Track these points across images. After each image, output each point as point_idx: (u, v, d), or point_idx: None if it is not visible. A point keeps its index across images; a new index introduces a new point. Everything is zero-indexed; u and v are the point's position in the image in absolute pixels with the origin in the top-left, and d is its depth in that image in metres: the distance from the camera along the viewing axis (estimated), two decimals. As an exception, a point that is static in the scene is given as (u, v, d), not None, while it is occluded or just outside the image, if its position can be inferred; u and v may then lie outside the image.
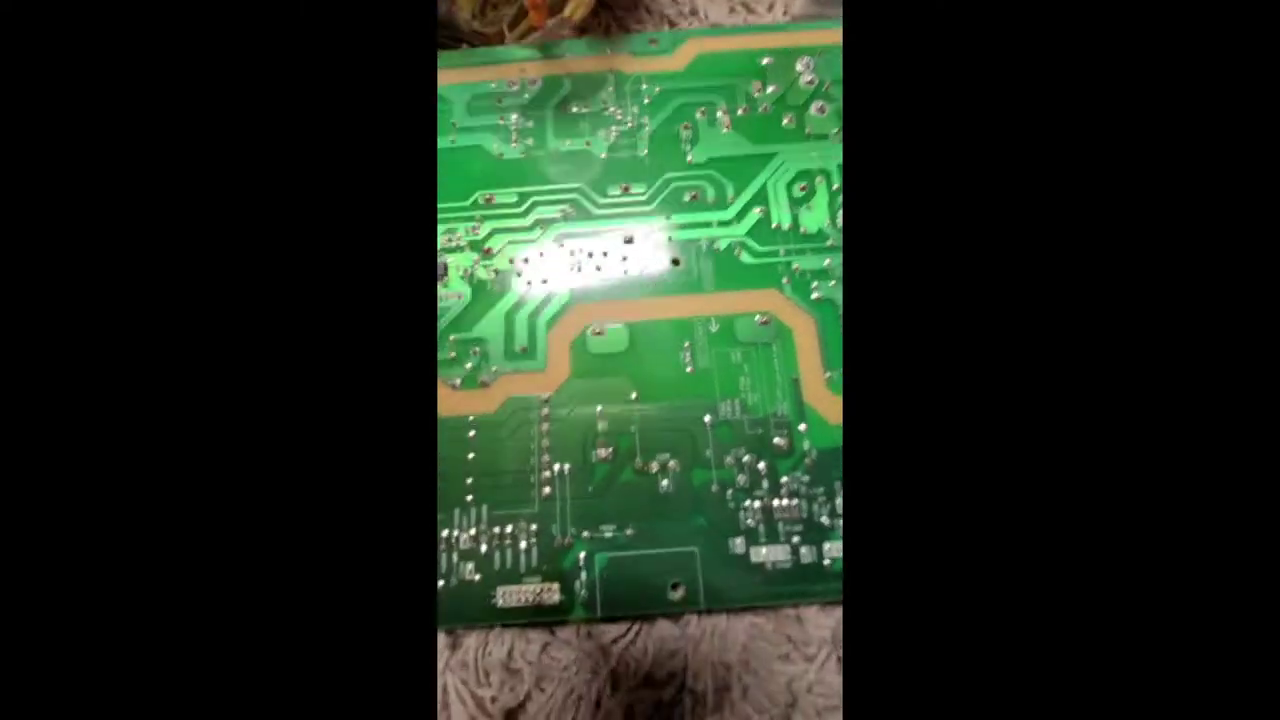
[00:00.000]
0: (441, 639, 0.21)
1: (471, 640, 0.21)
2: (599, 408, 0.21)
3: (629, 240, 0.23)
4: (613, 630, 0.21)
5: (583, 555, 0.20)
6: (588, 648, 0.21)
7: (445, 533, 0.20)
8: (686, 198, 0.23)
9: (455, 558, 0.20)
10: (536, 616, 0.19)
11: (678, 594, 0.19)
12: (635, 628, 0.21)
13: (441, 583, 0.20)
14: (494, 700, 0.21)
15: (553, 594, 0.20)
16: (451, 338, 0.22)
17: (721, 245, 0.22)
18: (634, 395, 0.21)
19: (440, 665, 0.21)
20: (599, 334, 0.22)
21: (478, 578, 0.20)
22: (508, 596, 0.20)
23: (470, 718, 0.20)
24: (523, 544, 0.20)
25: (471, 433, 0.21)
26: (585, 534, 0.20)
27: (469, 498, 0.21)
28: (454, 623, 0.20)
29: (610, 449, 0.21)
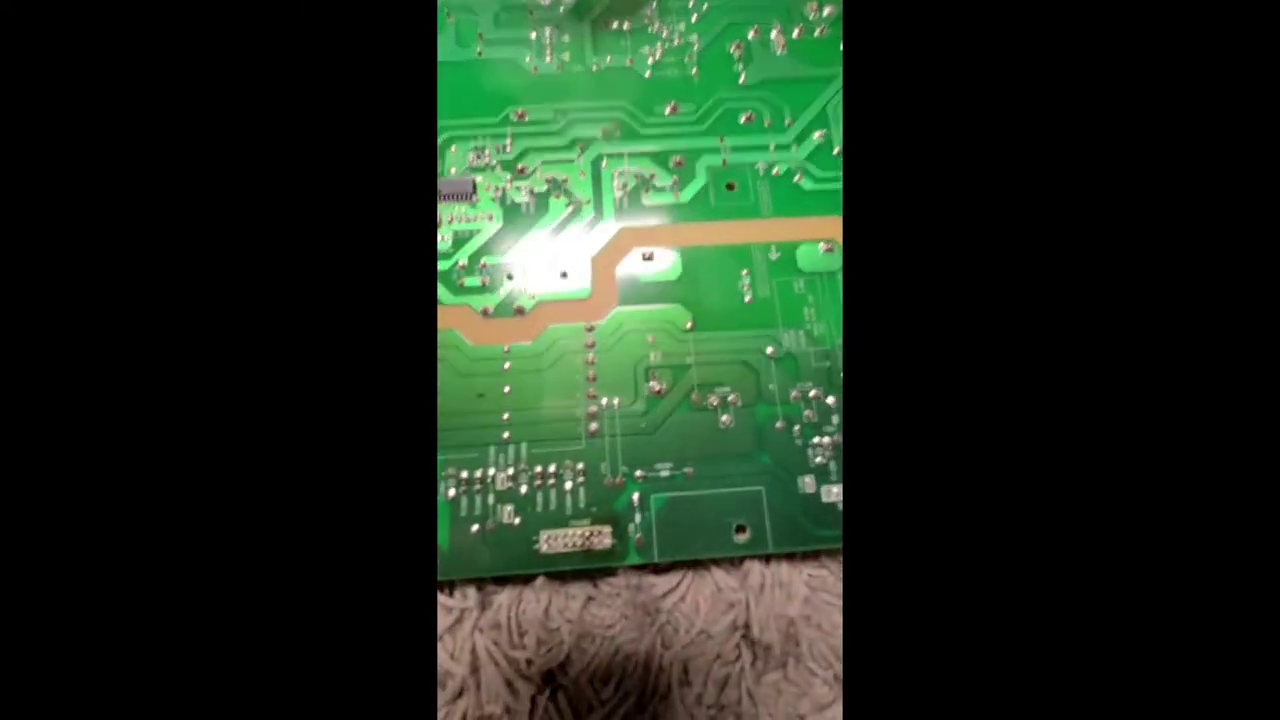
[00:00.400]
0: (471, 596, 0.19)
1: (503, 597, 0.19)
2: (651, 338, 0.19)
3: (679, 162, 0.21)
4: (663, 583, 0.19)
5: (637, 496, 0.18)
6: (636, 602, 0.19)
7: (479, 472, 0.18)
8: (741, 119, 0.21)
9: (492, 499, 0.18)
10: (586, 563, 0.17)
11: (743, 537, 0.18)
12: (687, 579, 0.19)
13: (475, 527, 0.18)
14: (530, 663, 0.18)
15: (604, 538, 0.18)
16: (483, 262, 0.20)
17: (780, 170, 0.21)
18: (689, 325, 0.19)
19: (469, 626, 0.19)
20: (648, 259, 0.20)
21: (517, 521, 0.18)
22: (553, 541, 0.18)
23: (505, 682, 0.18)
24: (568, 484, 0.18)
25: (506, 365, 0.19)
26: (639, 474, 0.18)
27: (505, 435, 0.18)
28: (491, 571, 0.18)
29: (664, 383, 0.19)
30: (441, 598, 0.19)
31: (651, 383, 0.19)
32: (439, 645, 0.19)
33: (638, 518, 0.18)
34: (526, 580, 0.19)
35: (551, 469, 0.18)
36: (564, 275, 0.20)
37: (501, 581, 0.20)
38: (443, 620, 0.19)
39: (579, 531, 0.18)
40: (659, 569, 0.19)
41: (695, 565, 0.20)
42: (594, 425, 0.19)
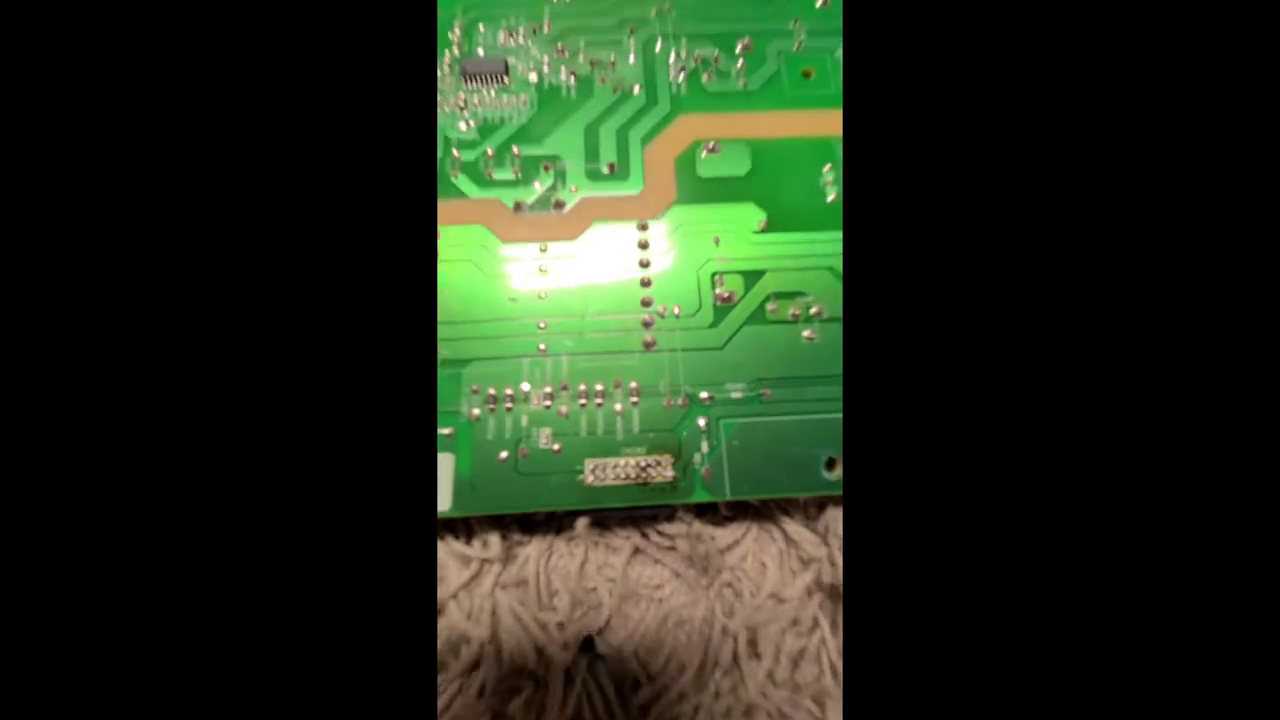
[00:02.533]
0: (493, 545, 0.15)
1: (531, 549, 0.16)
2: (717, 238, 0.16)
3: (747, 46, 0.18)
4: (725, 534, 0.16)
5: (703, 421, 0.15)
6: (693, 556, 0.16)
7: (509, 389, 0.15)
8: (818, 3, 0.19)
9: (525, 421, 0.15)
10: (642, 499, 0.14)
11: (835, 473, 0.15)
12: (753, 532, 0.16)
13: (504, 455, 0.14)
14: (562, 627, 0.15)
15: (664, 469, 0.14)
16: (515, 149, 0.17)
17: (864, 56, 0.18)
18: (761, 224, 0.16)
19: (489, 582, 0.16)
20: (713, 151, 0.17)
21: (557, 447, 0.15)
22: (601, 472, 0.14)
23: (535, 648, 0.15)
24: (618, 406, 0.15)
25: (540, 265, 0.16)
26: (705, 395, 0.15)
27: (541, 346, 0.15)
28: (523, 506, 0.14)
29: (733, 290, 0.16)
30: (459, 545, 0.16)
31: (718, 289, 0.16)
32: (454, 603, 0.15)
33: (704, 446, 0.15)
34: (559, 529, 0.16)
35: (599, 387, 0.15)
36: (612, 168, 0.17)
37: (529, 530, 0.16)
38: (459, 573, 0.16)
39: (634, 461, 0.14)
40: (719, 519, 0.16)
41: (762, 515, 0.16)
42: (649, 337, 0.15)
